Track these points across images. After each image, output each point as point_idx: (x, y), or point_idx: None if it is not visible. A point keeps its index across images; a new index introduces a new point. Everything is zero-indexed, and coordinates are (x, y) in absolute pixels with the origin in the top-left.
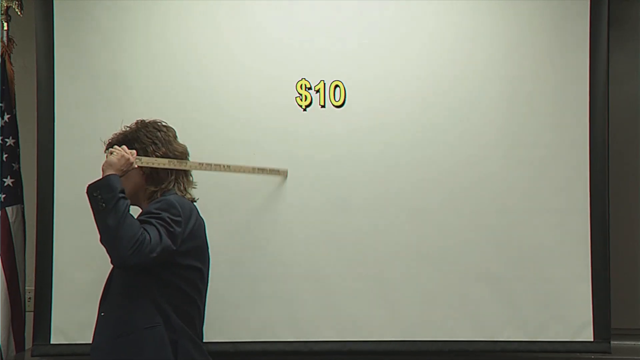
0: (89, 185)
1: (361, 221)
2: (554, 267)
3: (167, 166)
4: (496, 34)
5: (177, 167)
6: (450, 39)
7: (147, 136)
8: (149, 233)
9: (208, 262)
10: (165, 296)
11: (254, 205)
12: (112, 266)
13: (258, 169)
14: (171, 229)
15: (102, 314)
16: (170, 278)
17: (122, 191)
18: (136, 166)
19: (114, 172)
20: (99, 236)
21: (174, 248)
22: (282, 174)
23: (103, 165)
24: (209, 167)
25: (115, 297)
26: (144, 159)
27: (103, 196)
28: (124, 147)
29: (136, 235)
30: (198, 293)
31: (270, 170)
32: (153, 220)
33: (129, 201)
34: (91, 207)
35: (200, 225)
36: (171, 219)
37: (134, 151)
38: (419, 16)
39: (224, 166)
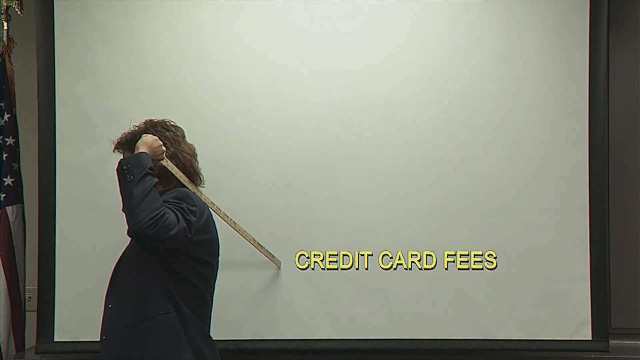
0: (121, 159)
1: (360, 219)
2: (553, 266)
3: (181, 179)
4: (495, 33)
5: (192, 188)
6: (449, 39)
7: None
8: (168, 212)
9: (218, 259)
10: (177, 288)
11: (255, 204)
12: (117, 259)
13: (258, 243)
14: (188, 217)
15: (110, 305)
16: (183, 271)
17: (152, 169)
18: (162, 163)
19: (146, 152)
20: (121, 205)
21: (189, 235)
22: (277, 263)
23: (138, 143)
24: (218, 210)
25: (125, 288)
26: (170, 163)
27: (132, 169)
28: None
29: (157, 209)
30: (208, 288)
31: (267, 252)
32: (171, 206)
33: (156, 179)
34: (118, 180)
35: (212, 221)
36: (188, 208)
37: (164, 148)
38: (416, 15)
39: (230, 219)
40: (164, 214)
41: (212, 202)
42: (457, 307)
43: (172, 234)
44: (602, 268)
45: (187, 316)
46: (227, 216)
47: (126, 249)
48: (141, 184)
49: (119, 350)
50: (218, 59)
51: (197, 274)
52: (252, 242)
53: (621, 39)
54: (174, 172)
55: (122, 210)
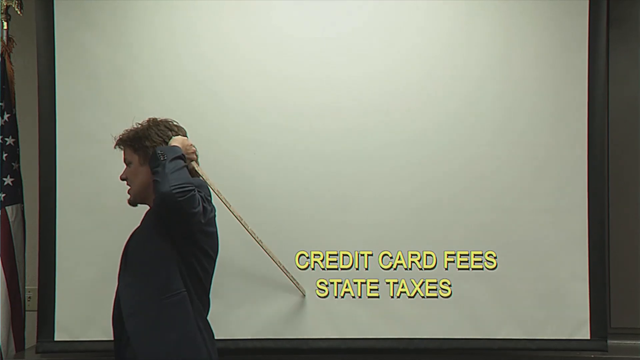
0: (156, 147)
1: (361, 220)
2: (552, 265)
3: (208, 184)
4: (494, 33)
5: (217, 194)
6: (448, 39)
7: (158, 134)
8: (196, 192)
9: (217, 256)
10: (188, 273)
11: (254, 203)
12: (125, 243)
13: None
14: (204, 204)
15: (124, 285)
16: (191, 259)
17: (184, 157)
18: (192, 163)
19: (179, 146)
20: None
21: (202, 221)
22: (299, 290)
23: (171, 141)
24: (240, 219)
25: (140, 266)
26: (198, 167)
27: (165, 153)
28: None
29: (189, 183)
30: (207, 280)
31: (277, 261)
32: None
33: (186, 164)
34: (150, 163)
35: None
36: (205, 197)
37: (194, 149)
38: (416, 15)
39: (250, 229)
40: (193, 189)
41: (233, 209)
42: (456, 306)
43: (194, 210)
44: (601, 268)
45: (194, 297)
46: (246, 225)
47: (134, 232)
48: (174, 162)
49: (151, 324)
50: (217, 61)
51: (201, 264)
52: (259, 243)
53: (621, 39)
54: (201, 174)
55: (153, 179)
